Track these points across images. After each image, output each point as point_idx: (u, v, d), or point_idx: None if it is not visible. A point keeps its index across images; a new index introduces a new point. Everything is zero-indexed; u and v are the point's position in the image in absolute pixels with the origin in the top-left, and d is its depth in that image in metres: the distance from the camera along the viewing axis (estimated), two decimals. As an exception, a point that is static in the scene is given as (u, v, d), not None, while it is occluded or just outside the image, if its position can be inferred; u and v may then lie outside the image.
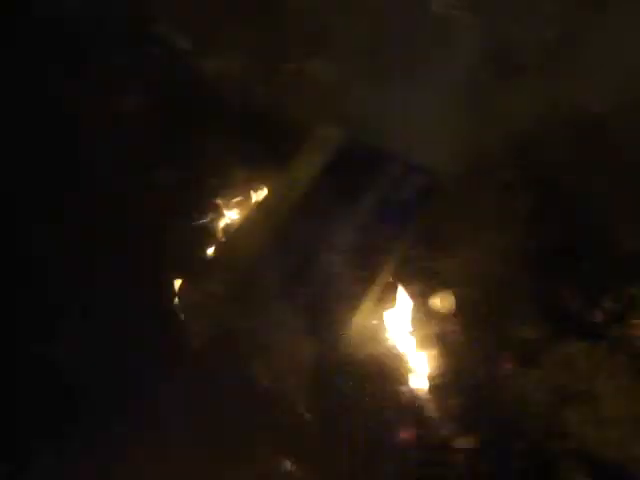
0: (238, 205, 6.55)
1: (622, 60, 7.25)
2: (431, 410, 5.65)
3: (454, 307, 6.05)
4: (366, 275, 5.95)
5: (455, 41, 7.07)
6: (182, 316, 5.93)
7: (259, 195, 6.52)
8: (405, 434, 5.52)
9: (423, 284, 6.08)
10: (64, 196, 6.43)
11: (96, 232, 6.23)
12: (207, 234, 6.41)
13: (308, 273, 5.91)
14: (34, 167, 6.44)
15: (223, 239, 6.37)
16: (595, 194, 6.76)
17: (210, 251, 6.31)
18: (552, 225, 6.44)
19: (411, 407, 5.66)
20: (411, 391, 5.72)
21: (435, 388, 5.74)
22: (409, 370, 5.78)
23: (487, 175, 6.56)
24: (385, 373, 5.73)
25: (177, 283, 6.04)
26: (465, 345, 5.94)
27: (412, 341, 5.90)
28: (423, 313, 6.00)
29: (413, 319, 5.98)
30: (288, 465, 5.39)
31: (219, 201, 6.57)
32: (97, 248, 6.15)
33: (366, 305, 5.90)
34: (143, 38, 7.68)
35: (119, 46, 7.46)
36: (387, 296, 6.04)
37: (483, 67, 6.99)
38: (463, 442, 5.49)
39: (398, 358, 5.81)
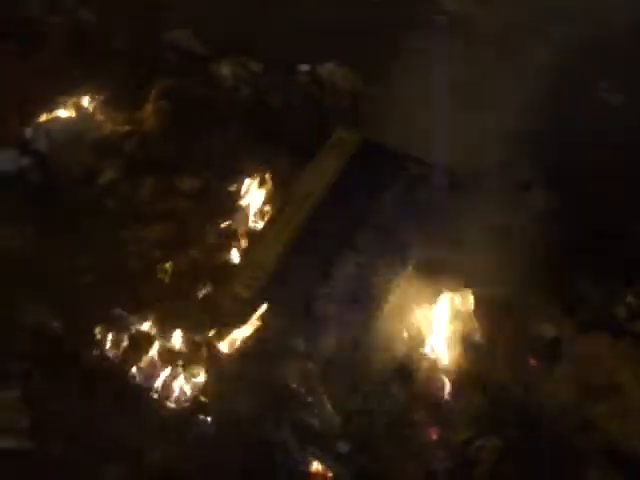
0: (260, 208, 6.56)
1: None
2: (457, 409, 5.63)
3: (475, 306, 6.03)
4: (387, 275, 5.97)
5: (470, 38, 7.06)
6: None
7: (280, 198, 6.52)
8: (431, 434, 5.51)
9: (442, 283, 6.06)
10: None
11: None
12: (229, 239, 6.40)
13: (330, 274, 5.93)
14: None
15: (245, 243, 6.36)
16: (614, 191, 6.76)
17: (235, 255, 6.31)
18: (572, 223, 6.42)
19: (436, 407, 5.63)
20: (435, 391, 5.69)
21: (459, 387, 5.72)
22: (433, 370, 5.76)
23: (505, 175, 6.55)
24: (409, 374, 5.72)
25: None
26: (487, 344, 5.92)
27: (435, 341, 5.89)
28: (445, 313, 5.98)
29: (435, 319, 5.96)
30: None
31: (239, 205, 6.58)
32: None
33: (388, 306, 5.91)
34: (160, 44, 7.74)
35: (137, 53, 7.55)
36: (408, 297, 6.03)
37: (498, 64, 6.98)
38: (489, 442, 5.47)
39: (421, 358, 5.79)
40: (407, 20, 7.69)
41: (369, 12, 7.92)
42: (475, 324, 5.98)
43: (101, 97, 7.19)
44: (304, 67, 7.71)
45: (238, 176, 6.71)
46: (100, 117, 7.09)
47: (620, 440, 5.52)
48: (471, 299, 6.05)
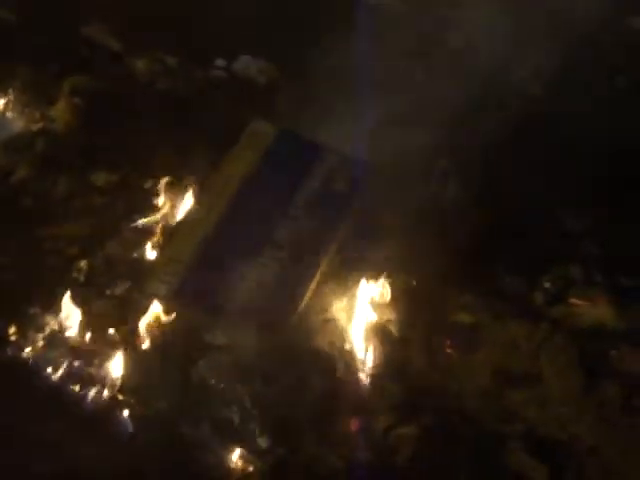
0: (175, 204, 6.50)
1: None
2: (374, 399, 5.64)
3: (391, 296, 6.05)
4: (304, 268, 5.96)
5: (387, 31, 7.08)
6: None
7: (195, 192, 6.47)
8: (349, 424, 5.51)
9: (359, 274, 6.05)
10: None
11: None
12: (146, 234, 6.34)
13: (246, 270, 5.89)
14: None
15: (162, 239, 6.31)
16: (532, 176, 6.82)
17: (152, 252, 6.25)
18: (488, 208, 6.46)
19: (354, 397, 5.63)
20: (353, 381, 5.69)
21: (377, 377, 5.72)
22: (349, 361, 5.76)
23: (420, 163, 6.57)
24: (326, 365, 5.71)
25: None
26: (405, 333, 5.93)
27: (352, 332, 5.88)
28: (361, 304, 5.98)
29: (351, 310, 5.96)
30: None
31: (156, 201, 6.52)
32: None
33: (304, 298, 5.89)
34: (73, 41, 7.67)
35: (49, 49, 7.46)
36: (324, 288, 6.02)
37: (417, 54, 7.00)
38: (407, 430, 5.48)
39: (338, 349, 5.79)
40: (326, 12, 7.68)
41: (286, 4, 7.91)
42: (392, 314, 6.00)
43: (12, 95, 7.10)
44: (220, 61, 7.72)
45: (154, 171, 6.65)
46: (11, 115, 7.01)
47: (538, 426, 5.57)
48: (388, 289, 6.07)
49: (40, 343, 5.71)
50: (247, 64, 7.65)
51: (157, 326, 5.78)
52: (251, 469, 5.30)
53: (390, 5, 7.67)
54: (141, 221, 6.39)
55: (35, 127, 6.90)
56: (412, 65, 7.05)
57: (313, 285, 5.97)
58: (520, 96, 7.50)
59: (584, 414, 5.59)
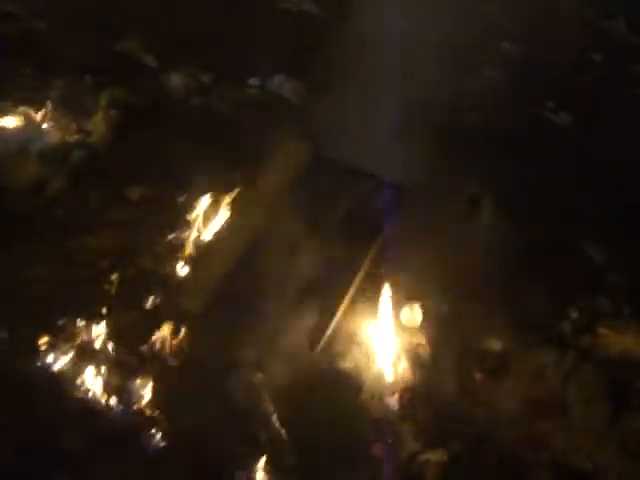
0: (208, 220, 6.52)
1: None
2: (401, 424, 5.64)
3: (422, 320, 6.07)
4: (335, 291, 5.98)
5: (419, 60, 7.12)
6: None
7: (228, 210, 6.50)
8: (375, 448, 5.51)
9: (391, 299, 6.07)
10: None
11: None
12: (178, 250, 6.36)
13: (277, 290, 5.91)
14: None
15: (194, 255, 6.33)
16: (563, 208, 6.85)
17: (182, 267, 6.27)
18: (518, 238, 6.47)
19: (381, 421, 5.63)
20: (381, 405, 5.70)
21: (405, 402, 5.73)
22: (378, 384, 5.76)
23: (454, 190, 6.61)
24: (355, 388, 5.72)
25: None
26: (434, 358, 5.94)
27: (381, 355, 5.89)
28: (391, 328, 6.00)
29: (381, 334, 5.98)
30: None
31: (188, 217, 6.54)
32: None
33: (335, 321, 5.92)
34: (110, 55, 7.72)
35: (87, 63, 7.52)
36: (354, 312, 6.05)
37: (448, 79, 7.06)
38: (434, 455, 5.48)
39: (367, 373, 5.80)
40: (360, 34, 7.73)
41: (318, 28, 7.96)
42: (422, 338, 6.01)
43: (49, 106, 7.14)
44: (254, 80, 7.77)
45: (188, 186, 6.67)
46: (47, 126, 7.04)
47: (565, 455, 5.56)
48: (418, 313, 6.09)
49: (70, 354, 5.70)
50: (281, 83, 7.69)
51: (187, 341, 5.78)
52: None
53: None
54: (173, 236, 6.40)
55: (71, 139, 6.93)
56: (442, 89, 7.07)
57: (343, 307, 6.00)
58: (551, 124, 7.53)
59: (609, 444, 5.58)
